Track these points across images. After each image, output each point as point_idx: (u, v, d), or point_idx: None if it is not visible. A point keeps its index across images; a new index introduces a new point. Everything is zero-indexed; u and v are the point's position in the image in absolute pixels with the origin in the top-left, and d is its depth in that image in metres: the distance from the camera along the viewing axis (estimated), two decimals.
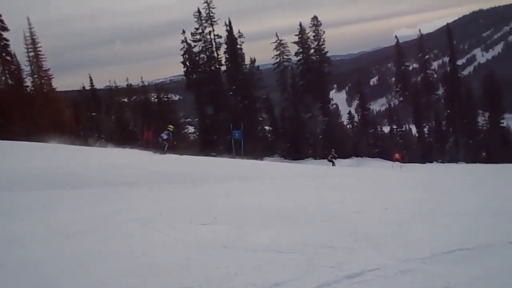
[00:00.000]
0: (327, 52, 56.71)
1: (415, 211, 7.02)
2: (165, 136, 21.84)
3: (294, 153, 50.60)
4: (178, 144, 26.84)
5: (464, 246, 4.48)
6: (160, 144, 22.10)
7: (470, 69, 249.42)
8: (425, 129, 65.36)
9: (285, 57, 58.39)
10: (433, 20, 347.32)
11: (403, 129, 65.78)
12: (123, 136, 37.59)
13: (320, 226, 6.00)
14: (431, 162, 50.15)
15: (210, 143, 47.98)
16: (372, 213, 6.99)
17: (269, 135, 62.10)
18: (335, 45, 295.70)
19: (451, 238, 5.01)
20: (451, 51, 65.05)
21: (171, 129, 22.49)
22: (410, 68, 76.61)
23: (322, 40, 56.40)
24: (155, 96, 57.77)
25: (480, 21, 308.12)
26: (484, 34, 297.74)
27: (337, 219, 6.44)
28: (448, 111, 60.74)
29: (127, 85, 56.01)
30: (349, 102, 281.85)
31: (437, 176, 21.20)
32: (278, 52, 58.32)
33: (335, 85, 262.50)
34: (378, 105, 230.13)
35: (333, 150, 31.92)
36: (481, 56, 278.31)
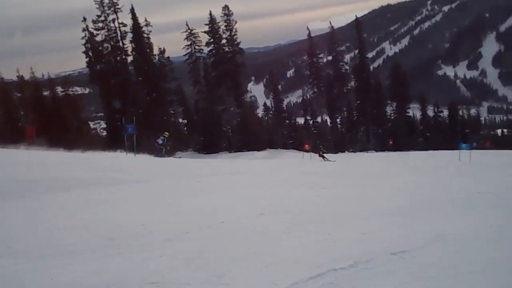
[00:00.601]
0: (239, 42, 55.36)
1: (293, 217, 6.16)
2: (160, 141, 23.50)
3: (208, 146, 48.79)
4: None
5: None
6: (157, 149, 23.67)
7: (379, 61, 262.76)
8: (338, 120, 66.77)
9: (196, 47, 56.13)
10: (345, 14, 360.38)
11: (317, 120, 66.64)
12: (11, 134, 33.21)
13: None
14: (343, 151, 50.77)
15: (118, 139, 44.68)
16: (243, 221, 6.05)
17: (185, 129, 59.94)
18: (251, 37, 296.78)
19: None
20: (360, 44, 66.63)
21: (166, 135, 24.26)
22: (325, 60, 77.54)
23: (234, 30, 54.91)
24: (59, 90, 52.70)
25: (388, 15, 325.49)
26: (392, 28, 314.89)
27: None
28: (359, 102, 62.21)
29: (17, 77, 50.40)
30: (267, 94, 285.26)
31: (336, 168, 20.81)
32: (189, 43, 55.93)
33: (253, 77, 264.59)
34: (295, 97, 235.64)
35: (321, 146, 31.49)
36: (390, 49, 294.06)
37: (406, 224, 5.84)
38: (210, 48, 53.82)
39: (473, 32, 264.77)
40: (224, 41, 54.71)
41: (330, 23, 66.34)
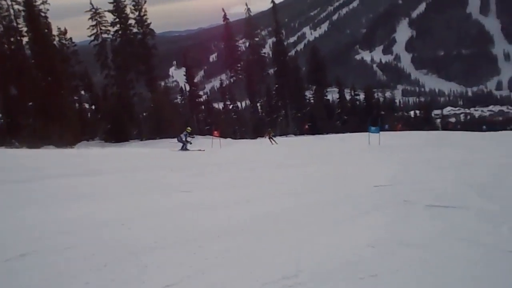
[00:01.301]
0: (150, 23, 51.40)
1: None
2: (183, 137, 23.85)
3: (117, 135, 44.99)
4: None
5: None
6: (181, 144, 23.85)
7: (301, 46, 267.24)
8: (258, 105, 65.52)
9: (103, 28, 51.50)
10: None
11: (237, 105, 64.87)
12: None
13: None
14: (263, 136, 49.41)
15: (16, 129, 39.72)
16: None
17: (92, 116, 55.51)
18: (173, 21, 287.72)
19: None
20: (277, 28, 64.95)
21: (188, 131, 24.74)
22: (247, 44, 75.71)
23: (143, 10, 50.87)
24: None
25: (308, 1, 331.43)
26: (312, 13, 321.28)
27: None
28: (277, 86, 61.14)
29: None
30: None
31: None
32: (94, 23, 51.18)
33: (174, 62, 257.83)
34: (218, 82, 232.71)
35: (269, 129, 32.23)
36: (310, 34, 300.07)
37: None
38: (115, 28, 49.47)
39: (388, 18, 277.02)
40: (132, 21, 50.56)
41: (247, 5, 63.68)
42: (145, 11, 51.08)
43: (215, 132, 29.09)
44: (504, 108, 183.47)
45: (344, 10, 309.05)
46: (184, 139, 23.72)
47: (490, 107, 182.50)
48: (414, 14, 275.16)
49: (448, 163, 11.87)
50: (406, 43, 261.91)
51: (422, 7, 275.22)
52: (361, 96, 68.13)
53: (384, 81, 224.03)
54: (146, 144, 40.12)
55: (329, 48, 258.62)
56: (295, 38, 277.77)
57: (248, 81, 62.96)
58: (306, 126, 47.95)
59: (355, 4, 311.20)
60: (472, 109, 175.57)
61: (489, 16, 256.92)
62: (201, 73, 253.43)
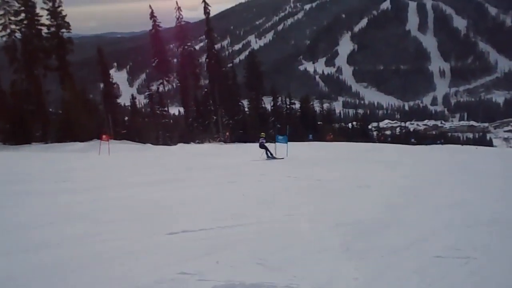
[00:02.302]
0: (65, 15, 45.95)
1: None
2: (263, 141, 21.40)
3: (17, 136, 39.28)
4: None
5: None
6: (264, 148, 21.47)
7: (245, 53, 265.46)
8: (190, 110, 61.49)
9: (12, 18, 45.41)
10: (214, 4, 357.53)
11: (166, 109, 60.41)
12: None
13: None
14: (188, 142, 45.40)
15: None
16: None
17: None
18: (115, 22, 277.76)
19: None
20: (210, 36, 59.35)
21: (263, 136, 21.85)
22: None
23: (58, 1, 45.43)
24: None
25: (254, 10, 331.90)
26: (257, 22, 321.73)
27: None
28: (206, 90, 57.40)
29: None
30: (130, 82, 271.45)
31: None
32: (2, 12, 45.05)
33: (115, 64, 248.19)
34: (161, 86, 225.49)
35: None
36: (255, 43, 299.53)
37: None
38: (20, 18, 43.63)
39: (331, 31, 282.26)
40: (45, 12, 44.92)
41: (178, 10, 56.91)
42: (61, 1, 45.67)
43: (104, 136, 24.87)
44: (438, 122, 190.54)
45: (289, 21, 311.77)
46: (264, 142, 21.24)
47: (425, 121, 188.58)
48: (356, 29, 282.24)
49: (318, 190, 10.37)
50: (348, 56, 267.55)
51: (364, 22, 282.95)
52: (298, 106, 65.98)
53: (326, 92, 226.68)
54: (50, 148, 35.02)
55: (273, 57, 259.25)
56: (240, 45, 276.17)
57: (182, 87, 58.67)
58: (227, 134, 44.26)
59: (299, 15, 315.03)
60: (408, 122, 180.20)
61: (427, 34, 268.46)
62: (143, 76, 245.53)
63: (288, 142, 21.11)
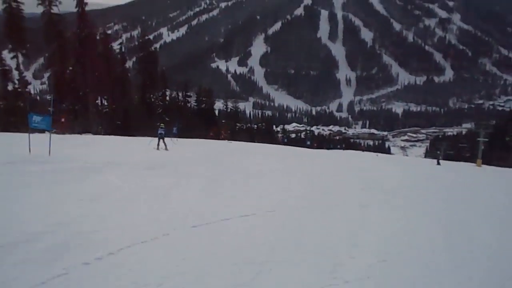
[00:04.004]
0: None
1: None
2: (162, 132, 21.80)
3: None
4: None
5: None
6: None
7: (157, 46, 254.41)
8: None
9: None
10: None
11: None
12: None
13: None
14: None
15: None
16: None
17: None
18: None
19: None
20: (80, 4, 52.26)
21: (163, 126, 22.36)
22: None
23: None
24: None
25: (168, 1, 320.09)
26: (171, 15, 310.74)
27: None
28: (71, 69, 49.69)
29: None
30: (26, 66, 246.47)
31: None
32: None
33: (10, 46, 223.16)
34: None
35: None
36: (168, 36, 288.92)
37: None
38: None
39: (245, 31, 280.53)
40: None
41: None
42: None
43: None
44: (342, 128, 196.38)
45: (204, 17, 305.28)
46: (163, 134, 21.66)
47: (330, 127, 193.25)
48: (270, 31, 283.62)
49: None
50: (260, 57, 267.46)
51: (278, 25, 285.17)
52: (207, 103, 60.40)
53: (237, 92, 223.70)
54: None
55: (186, 51, 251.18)
56: (151, 37, 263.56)
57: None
58: (62, 120, 36.24)
59: (215, 12, 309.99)
60: (314, 127, 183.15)
61: (336, 42, 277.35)
62: (41, 60, 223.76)
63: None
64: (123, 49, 57.78)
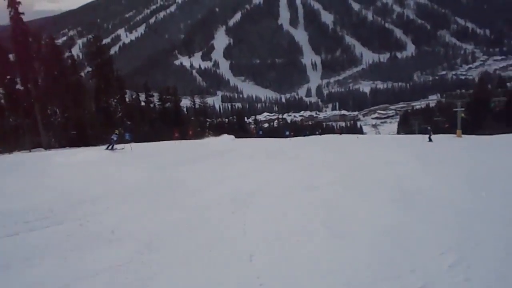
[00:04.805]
0: None
1: None
2: (115, 138, 22.77)
3: None
4: None
5: None
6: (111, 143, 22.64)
7: (115, 48, 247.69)
8: None
9: None
10: None
11: None
12: None
13: None
14: None
15: None
16: None
17: None
18: None
19: None
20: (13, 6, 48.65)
21: (117, 133, 23.56)
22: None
23: None
24: None
25: (122, 2, 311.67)
26: (127, 15, 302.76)
27: None
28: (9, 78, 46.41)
29: None
30: None
31: None
32: None
33: None
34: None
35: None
36: (126, 37, 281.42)
37: None
38: None
39: (206, 25, 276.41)
40: None
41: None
42: None
43: None
44: (313, 113, 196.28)
45: (161, 14, 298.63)
46: (115, 140, 22.68)
47: (302, 113, 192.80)
48: (231, 23, 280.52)
49: None
50: (224, 50, 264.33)
51: (238, 16, 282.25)
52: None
53: (204, 87, 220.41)
54: None
55: (147, 51, 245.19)
56: (109, 39, 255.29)
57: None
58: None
59: (172, 9, 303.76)
60: (286, 114, 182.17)
61: (298, 28, 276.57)
62: None
63: None
64: (74, 55, 54.45)
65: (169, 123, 44.64)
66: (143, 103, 52.25)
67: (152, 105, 52.86)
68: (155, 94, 54.40)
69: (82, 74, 49.94)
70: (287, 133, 45.78)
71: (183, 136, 34.24)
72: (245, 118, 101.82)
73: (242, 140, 35.04)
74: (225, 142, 30.47)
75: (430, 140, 27.81)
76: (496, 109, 42.06)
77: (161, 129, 42.13)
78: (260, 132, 42.78)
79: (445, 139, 29.33)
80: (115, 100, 41.78)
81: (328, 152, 19.60)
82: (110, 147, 22.30)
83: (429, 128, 29.99)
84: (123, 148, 22.19)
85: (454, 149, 20.08)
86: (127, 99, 50.72)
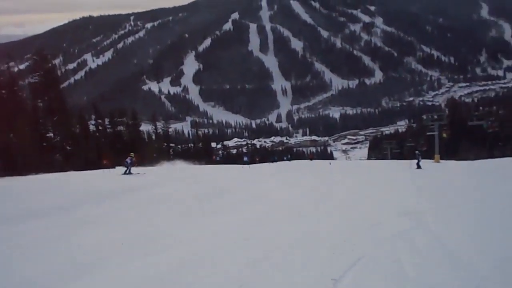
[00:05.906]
0: None
1: None
2: (129, 161, 23.16)
3: None
4: None
5: None
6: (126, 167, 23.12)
7: (82, 73, 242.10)
8: None
9: None
10: (44, 22, 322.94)
11: None
12: None
13: None
14: None
15: None
16: None
17: None
18: None
19: None
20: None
21: (132, 156, 23.76)
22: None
23: None
24: None
25: (90, 27, 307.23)
26: (94, 40, 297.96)
27: None
28: None
29: None
30: None
31: None
32: None
33: None
34: None
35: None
36: (92, 62, 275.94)
37: None
38: None
39: (175, 50, 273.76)
40: None
41: None
42: None
43: None
44: (283, 138, 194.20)
45: (129, 39, 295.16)
46: (129, 162, 23.03)
47: (272, 138, 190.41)
48: (201, 48, 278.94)
49: None
50: (193, 75, 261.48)
51: (207, 42, 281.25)
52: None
53: (173, 113, 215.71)
54: None
55: (114, 77, 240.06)
56: (74, 64, 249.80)
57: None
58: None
59: (141, 34, 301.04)
60: (256, 140, 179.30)
61: (268, 54, 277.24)
62: None
63: None
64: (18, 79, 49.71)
65: (119, 149, 40.28)
66: (92, 127, 47.69)
67: (101, 128, 48.10)
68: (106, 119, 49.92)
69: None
70: (246, 158, 39.55)
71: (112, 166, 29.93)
72: (214, 143, 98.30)
73: (194, 168, 31.50)
74: (158, 173, 26.00)
75: (418, 166, 24.76)
76: (489, 129, 40.03)
77: (110, 154, 37.75)
78: (245, 159, 38.25)
79: (425, 165, 26.34)
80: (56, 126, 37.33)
81: (300, 187, 15.26)
82: (126, 171, 22.60)
83: (417, 152, 26.81)
84: (145, 173, 22.21)
85: (456, 177, 18.43)
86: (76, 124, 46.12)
